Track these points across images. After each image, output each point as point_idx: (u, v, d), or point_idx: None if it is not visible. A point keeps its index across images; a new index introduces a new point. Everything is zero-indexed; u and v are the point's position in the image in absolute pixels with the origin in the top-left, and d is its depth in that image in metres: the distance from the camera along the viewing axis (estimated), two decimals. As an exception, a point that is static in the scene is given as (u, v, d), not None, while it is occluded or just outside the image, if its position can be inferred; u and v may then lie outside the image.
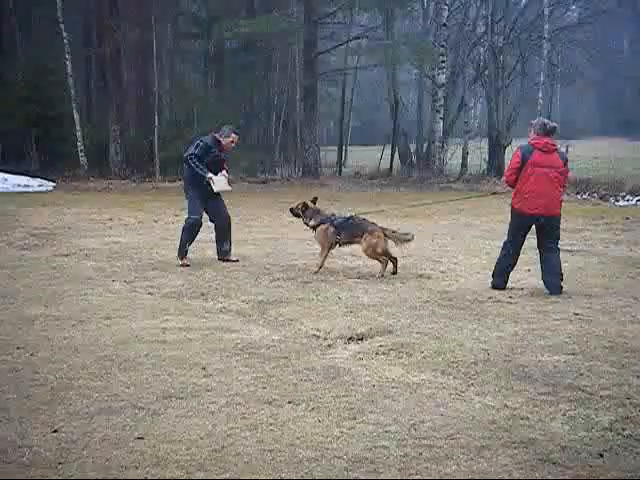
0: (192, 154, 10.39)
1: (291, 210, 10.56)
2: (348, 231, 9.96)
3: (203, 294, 8.58)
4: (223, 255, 10.91)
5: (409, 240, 10.16)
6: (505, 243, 9.19)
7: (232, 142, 10.78)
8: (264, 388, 5.46)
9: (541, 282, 8.99)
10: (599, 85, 48.03)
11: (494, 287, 9.02)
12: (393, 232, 10.11)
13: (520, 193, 8.80)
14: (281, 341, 6.66)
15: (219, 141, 10.66)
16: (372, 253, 9.87)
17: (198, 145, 10.49)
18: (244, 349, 6.38)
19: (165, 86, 28.42)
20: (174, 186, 23.36)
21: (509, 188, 9.16)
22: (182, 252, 10.52)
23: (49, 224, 14.25)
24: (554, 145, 8.81)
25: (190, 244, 10.67)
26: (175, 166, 25.33)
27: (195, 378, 5.64)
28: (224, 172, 10.69)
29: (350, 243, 10.11)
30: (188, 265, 10.29)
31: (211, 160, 10.50)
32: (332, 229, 9.96)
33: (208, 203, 10.68)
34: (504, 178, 9.21)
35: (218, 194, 10.72)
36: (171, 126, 26.22)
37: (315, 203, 10.43)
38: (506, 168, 9.19)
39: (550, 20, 28.43)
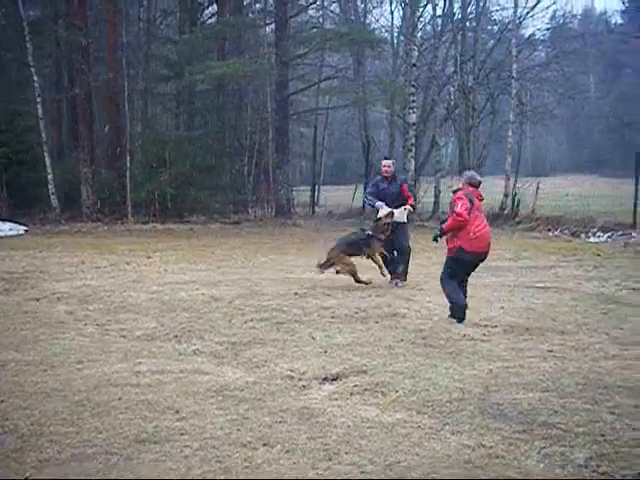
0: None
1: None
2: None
3: (176, 336, 8.52)
4: (397, 275, 12.29)
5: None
6: (448, 280, 9.65)
7: (384, 167, 12.44)
8: (238, 430, 5.42)
9: (514, 319, 9.20)
10: (569, 123, 48.63)
11: (460, 320, 9.26)
12: None
13: (468, 234, 9.41)
14: (255, 383, 6.62)
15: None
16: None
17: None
18: (218, 391, 6.34)
19: (137, 128, 28.43)
20: (146, 228, 23.33)
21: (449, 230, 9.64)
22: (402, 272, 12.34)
23: (20, 268, 14.12)
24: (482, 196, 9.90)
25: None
26: (148, 208, 25.35)
27: (168, 422, 5.59)
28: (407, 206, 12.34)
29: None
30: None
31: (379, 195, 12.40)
32: None
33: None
34: (460, 218, 9.42)
35: (402, 224, 12.26)
36: (143, 168, 26.18)
37: None
38: (458, 208, 9.46)
39: (518, 60, 28.73)
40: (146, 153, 26.88)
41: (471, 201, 9.43)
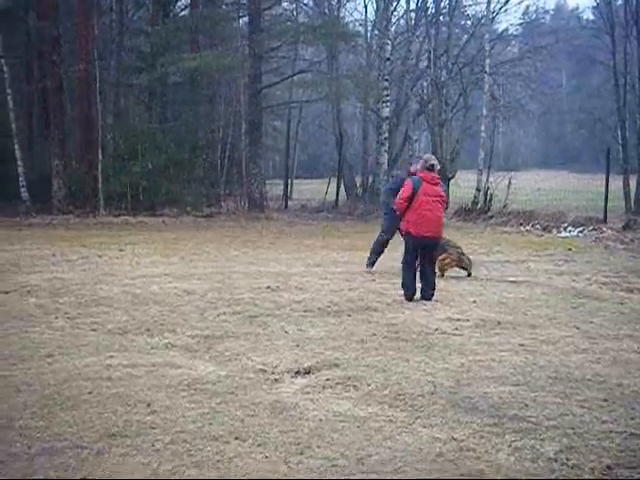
0: (388, 188, 13.13)
1: None
2: None
3: (148, 329, 8.47)
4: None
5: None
6: (404, 263, 10.62)
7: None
8: (210, 424, 5.40)
9: (485, 313, 9.31)
10: (540, 119, 48.93)
11: (409, 299, 10.30)
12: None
13: (415, 219, 10.34)
14: (227, 376, 6.60)
15: (410, 172, 12.51)
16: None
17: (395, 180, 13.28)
18: (190, 385, 6.31)
19: (108, 120, 28.22)
20: (118, 221, 23.18)
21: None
22: (370, 261, 13.15)
23: (-10, 260, 13.98)
24: (438, 178, 10.58)
25: (377, 257, 13.11)
26: (120, 201, 25.17)
27: (140, 415, 5.55)
28: None
29: None
30: (370, 274, 12.67)
31: None
32: None
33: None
34: (397, 205, 10.66)
35: None
36: (115, 160, 25.99)
37: None
38: (398, 197, 10.61)
39: (491, 55, 28.87)
40: (118, 145, 26.70)
41: (415, 188, 10.27)
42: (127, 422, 5.41)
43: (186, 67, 25.69)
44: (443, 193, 10.61)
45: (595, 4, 34.69)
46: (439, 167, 10.87)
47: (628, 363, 7.14)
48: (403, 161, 14.41)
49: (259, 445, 5.03)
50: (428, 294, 10.38)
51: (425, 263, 10.57)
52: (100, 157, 25.00)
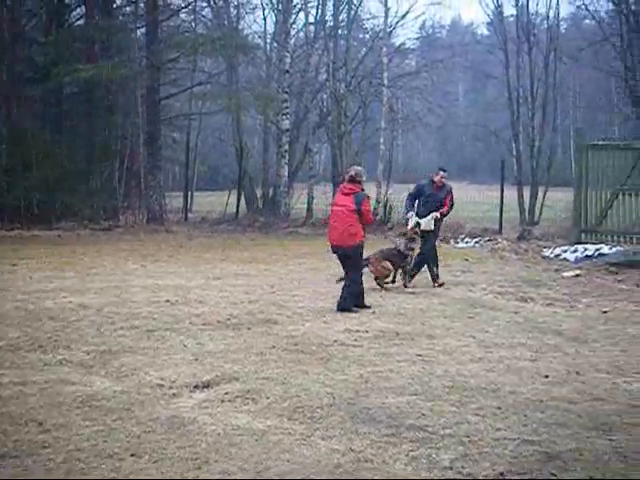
0: (409, 194, 13.60)
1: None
2: None
3: (42, 346, 8.24)
4: (435, 278, 13.19)
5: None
6: None
7: (441, 177, 13.39)
8: (105, 441, 5.29)
9: (384, 324, 9.47)
10: (439, 131, 49.83)
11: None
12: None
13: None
14: (124, 392, 6.48)
15: (433, 180, 13.41)
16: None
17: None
18: (84, 402, 6.17)
19: (1, 132, 27.47)
20: (11, 235, 22.52)
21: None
22: (434, 277, 13.21)
23: None
24: (351, 189, 10.68)
25: (437, 267, 13.30)
26: (13, 214, 24.45)
27: (31, 435, 5.40)
28: (433, 214, 13.14)
29: None
30: (443, 284, 12.98)
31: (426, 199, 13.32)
32: None
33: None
34: None
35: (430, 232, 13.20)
36: (7, 173, 25.24)
37: None
38: None
39: (389, 68, 29.26)
40: (10, 157, 26.00)
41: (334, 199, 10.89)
42: (17, 442, 5.25)
43: (81, 77, 25.21)
44: (350, 203, 10.52)
45: (489, 20, 35.52)
46: (363, 177, 10.91)
47: (521, 371, 7.31)
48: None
49: (156, 461, 4.95)
50: (340, 305, 10.47)
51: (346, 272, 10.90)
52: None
